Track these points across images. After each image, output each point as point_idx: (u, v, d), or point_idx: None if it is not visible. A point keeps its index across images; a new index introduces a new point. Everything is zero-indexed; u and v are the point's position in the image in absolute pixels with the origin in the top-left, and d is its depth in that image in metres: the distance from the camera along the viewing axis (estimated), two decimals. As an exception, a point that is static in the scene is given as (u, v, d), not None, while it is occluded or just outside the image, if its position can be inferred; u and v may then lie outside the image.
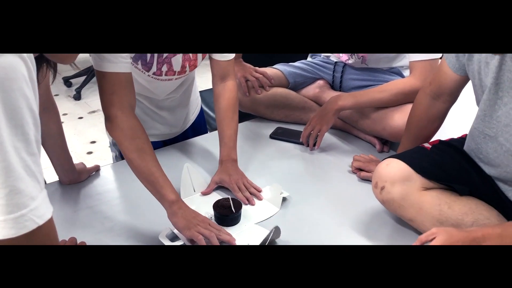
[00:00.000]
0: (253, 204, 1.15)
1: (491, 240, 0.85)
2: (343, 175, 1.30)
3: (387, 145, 1.42)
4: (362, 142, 1.47)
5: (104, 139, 2.77)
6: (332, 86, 1.59)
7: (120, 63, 1.04)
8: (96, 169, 1.29)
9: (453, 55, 1.06)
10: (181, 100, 1.41)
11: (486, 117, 0.98)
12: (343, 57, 1.54)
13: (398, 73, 1.49)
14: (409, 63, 1.36)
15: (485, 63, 0.96)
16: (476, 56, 0.99)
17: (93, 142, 2.83)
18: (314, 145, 1.41)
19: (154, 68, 1.19)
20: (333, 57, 1.60)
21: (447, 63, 1.09)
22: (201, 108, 1.60)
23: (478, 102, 1.03)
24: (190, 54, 1.22)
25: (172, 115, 1.41)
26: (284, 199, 1.16)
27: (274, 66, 1.62)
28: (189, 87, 1.43)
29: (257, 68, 1.57)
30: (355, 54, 1.49)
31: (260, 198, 1.17)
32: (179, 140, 1.49)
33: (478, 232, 0.87)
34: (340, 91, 1.56)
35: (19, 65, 0.52)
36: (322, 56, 1.66)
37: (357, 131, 1.48)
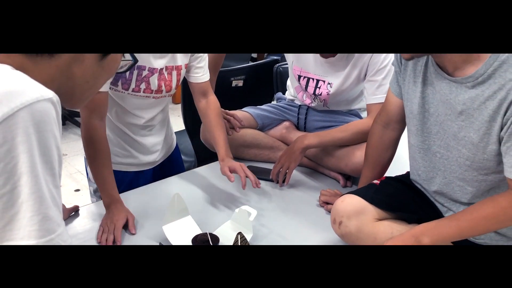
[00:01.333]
0: (255, 186, 1.36)
1: (428, 234, 1.01)
2: (312, 208, 1.40)
3: (350, 180, 1.54)
4: (328, 178, 1.58)
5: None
6: (297, 127, 1.72)
7: None
8: (75, 209, 1.33)
9: (394, 80, 1.22)
10: (158, 130, 1.52)
11: (419, 131, 1.13)
12: (307, 100, 1.68)
13: (356, 114, 1.64)
14: (366, 105, 1.51)
15: (413, 82, 1.12)
16: (407, 76, 1.14)
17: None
18: (284, 181, 1.51)
19: (133, 85, 1.33)
20: (297, 100, 1.74)
21: (391, 90, 1.24)
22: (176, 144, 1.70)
23: (408, 122, 1.18)
24: (166, 75, 1.36)
25: (150, 143, 1.51)
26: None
27: (243, 109, 1.74)
28: (165, 119, 1.55)
29: (227, 111, 1.68)
30: (318, 98, 1.63)
31: (258, 187, 1.37)
32: (157, 171, 1.58)
33: (416, 229, 1.02)
34: (304, 131, 1.69)
35: (51, 110, 0.60)
36: (287, 100, 1.79)
37: (322, 168, 1.60)
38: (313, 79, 1.60)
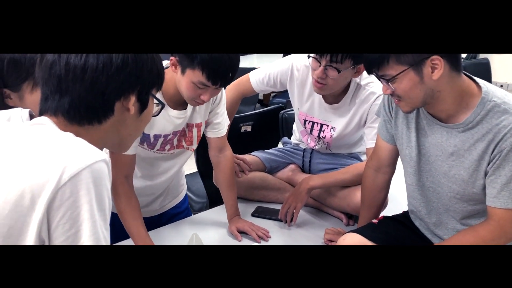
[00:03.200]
0: (266, 240, 1.50)
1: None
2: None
3: (352, 219, 1.66)
4: (332, 217, 1.70)
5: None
6: (303, 169, 1.85)
7: None
8: None
9: (383, 127, 1.36)
10: (173, 180, 1.63)
11: (416, 172, 1.26)
12: (311, 143, 1.81)
13: (356, 157, 1.77)
14: (366, 149, 1.64)
15: (407, 128, 1.26)
16: (400, 124, 1.28)
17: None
18: (291, 220, 1.62)
19: (158, 146, 1.45)
20: (302, 144, 1.87)
21: (380, 136, 1.38)
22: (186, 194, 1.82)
23: (405, 165, 1.30)
24: (186, 132, 1.48)
25: (164, 192, 1.62)
26: None
27: (252, 153, 1.87)
28: (180, 171, 1.66)
29: (237, 155, 1.81)
30: (322, 140, 1.76)
31: (268, 237, 1.52)
32: (163, 219, 1.68)
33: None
34: (309, 173, 1.82)
35: (105, 168, 0.75)
36: (292, 144, 1.93)
37: (326, 208, 1.71)
38: (317, 123, 1.74)
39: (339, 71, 1.46)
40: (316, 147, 1.80)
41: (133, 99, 0.84)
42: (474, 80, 1.16)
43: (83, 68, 0.78)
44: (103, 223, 0.74)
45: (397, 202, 1.50)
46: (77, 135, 0.79)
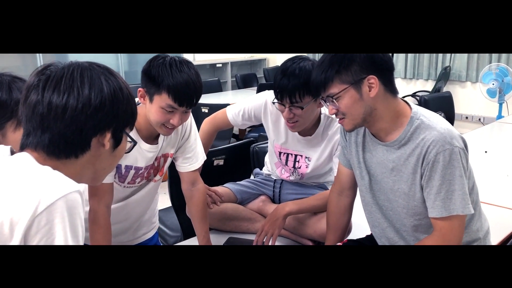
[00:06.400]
0: None
1: None
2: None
3: (315, 244, 1.72)
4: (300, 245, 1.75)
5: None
6: (273, 200, 1.92)
7: None
8: None
9: (341, 154, 1.48)
10: (145, 210, 1.67)
11: (368, 190, 1.38)
12: (285, 174, 1.89)
13: (324, 187, 1.86)
14: (334, 178, 1.72)
15: (356, 151, 1.38)
16: (352, 148, 1.40)
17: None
18: (263, 249, 1.67)
19: (128, 179, 1.50)
20: (273, 175, 1.95)
21: (340, 162, 1.50)
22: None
23: (359, 184, 1.40)
24: (155, 164, 1.54)
25: (136, 222, 1.66)
26: None
27: (224, 185, 1.93)
28: (153, 205, 1.70)
29: (209, 187, 1.86)
30: (296, 171, 1.84)
31: None
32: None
33: None
34: (279, 203, 1.88)
35: (79, 198, 0.81)
36: (264, 175, 2.00)
37: (295, 235, 1.77)
38: (292, 154, 1.82)
39: (302, 108, 1.57)
40: (291, 178, 1.87)
41: (108, 135, 0.91)
42: (409, 105, 1.32)
43: (64, 107, 0.85)
44: None
45: (362, 228, 1.58)
46: (55, 168, 0.86)
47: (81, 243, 0.82)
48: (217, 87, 5.70)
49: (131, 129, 0.98)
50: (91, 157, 0.91)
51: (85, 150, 0.89)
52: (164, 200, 2.22)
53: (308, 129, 1.73)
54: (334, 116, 1.69)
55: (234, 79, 6.22)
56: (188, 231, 2.03)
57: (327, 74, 1.24)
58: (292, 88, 1.54)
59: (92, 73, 0.88)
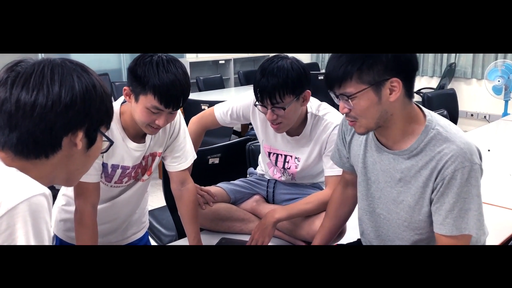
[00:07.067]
0: None
1: None
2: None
3: (311, 247, 1.68)
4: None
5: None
6: (267, 200, 1.88)
7: (90, 175, 1.34)
8: None
9: (335, 155, 1.43)
10: (134, 210, 1.63)
11: (364, 196, 1.30)
12: (277, 174, 1.85)
13: (319, 187, 1.81)
14: (325, 177, 1.68)
15: (357, 155, 1.31)
16: (354, 148, 1.33)
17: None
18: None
19: (115, 179, 1.46)
20: (267, 175, 1.91)
21: (335, 163, 1.46)
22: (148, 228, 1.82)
23: (358, 187, 1.35)
24: (143, 163, 1.50)
25: (125, 222, 1.63)
26: None
27: (218, 185, 1.89)
28: (143, 205, 1.67)
29: (202, 187, 1.83)
30: (286, 171, 1.80)
31: None
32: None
33: None
34: (273, 203, 1.85)
35: (44, 202, 0.77)
36: (258, 174, 1.96)
37: (288, 237, 1.73)
38: (281, 154, 1.78)
39: (284, 109, 1.53)
40: (282, 178, 1.83)
41: (80, 134, 0.87)
42: (421, 110, 1.22)
43: (32, 105, 0.81)
44: None
45: (357, 231, 1.53)
46: (24, 169, 0.82)
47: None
48: (220, 84, 5.66)
49: (108, 128, 0.94)
50: (63, 157, 0.87)
51: (56, 150, 0.86)
52: (159, 199, 2.20)
53: (295, 128, 1.69)
54: (320, 114, 1.67)
55: (237, 76, 6.17)
56: (183, 230, 2.00)
57: (347, 70, 1.10)
58: (271, 88, 1.50)
59: (64, 70, 0.84)
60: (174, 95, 1.29)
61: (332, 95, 1.19)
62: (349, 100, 1.13)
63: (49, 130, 0.83)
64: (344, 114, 1.20)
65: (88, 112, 0.87)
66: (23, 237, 0.74)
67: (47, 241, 0.77)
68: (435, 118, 1.19)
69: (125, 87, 1.35)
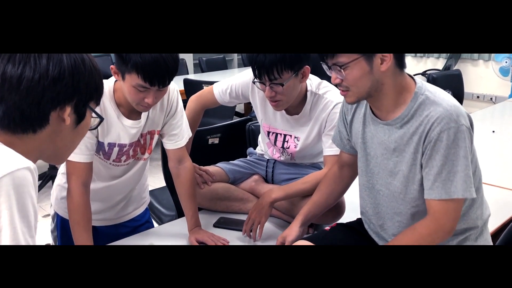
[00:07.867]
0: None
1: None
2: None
3: (313, 227, 1.66)
4: (293, 226, 1.70)
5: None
6: (266, 180, 1.86)
7: (82, 154, 1.34)
8: None
9: (337, 137, 1.42)
10: (132, 188, 1.63)
11: (363, 172, 1.28)
12: (276, 154, 1.82)
13: (318, 167, 1.79)
14: (323, 156, 1.66)
15: (357, 130, 1.30)
16: (355, 126, 1.32)
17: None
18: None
19: (113, 157, 1.45)
20: (266, 155, 1.89)
21: (336, 145, 1.44)
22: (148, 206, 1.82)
23: (359, 163, 1.34)
24: (141, 141, 1.49)
25: (123, 199, 1.62)
26: None
27: (217, 164, 1.87)
28: (140, 181, 1.66)
29: (200, 166, 1.81)
30: (285, 151, 1.78)
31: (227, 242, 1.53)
32: (121, 230, 1.67)
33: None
34: (272, 183, 1.83)
35: (28, 176, 0.75)
36: (257, 154, 1.94)
37: (286, 216, 1.72)
38: (280, 134, 1.75)
39: (282, 85, 1.50)
40: (281, 158, 1.81)
41: (68, 109, 0.85)
42: (414, 80, 1.22)
43: (19, 78, 0.79)
44: (27, 230, 0.75)
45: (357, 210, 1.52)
46: (10, 143, 0.80)
47: (32, 223, 0.76)
48: (223, 65, 5.61)
49: (97, 104, 0.92)
50: (51, 133, 0.85)
51: (44, 124, 0.83)
52: (160, 179, 2.19)
53: (295, 106, 1.66)
54: (320, 93, 1.64)
55: (240, 56, 6.11)
56: (182, 210, 2.00)
57: None
58: (269, 63, 1.46)
59: None
60: (158, 72, 1.27)
61: (325, 67, 1.20)
62: (342, 70, 1.15)
63: (36, 104, 0.81)
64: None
65: (77, 86, 0.84)
66: (6, 211, 0.72)
67: (32, 216, 0.76)
68: (425, 85, 1.20)
69: (111, 66, 1.33)
